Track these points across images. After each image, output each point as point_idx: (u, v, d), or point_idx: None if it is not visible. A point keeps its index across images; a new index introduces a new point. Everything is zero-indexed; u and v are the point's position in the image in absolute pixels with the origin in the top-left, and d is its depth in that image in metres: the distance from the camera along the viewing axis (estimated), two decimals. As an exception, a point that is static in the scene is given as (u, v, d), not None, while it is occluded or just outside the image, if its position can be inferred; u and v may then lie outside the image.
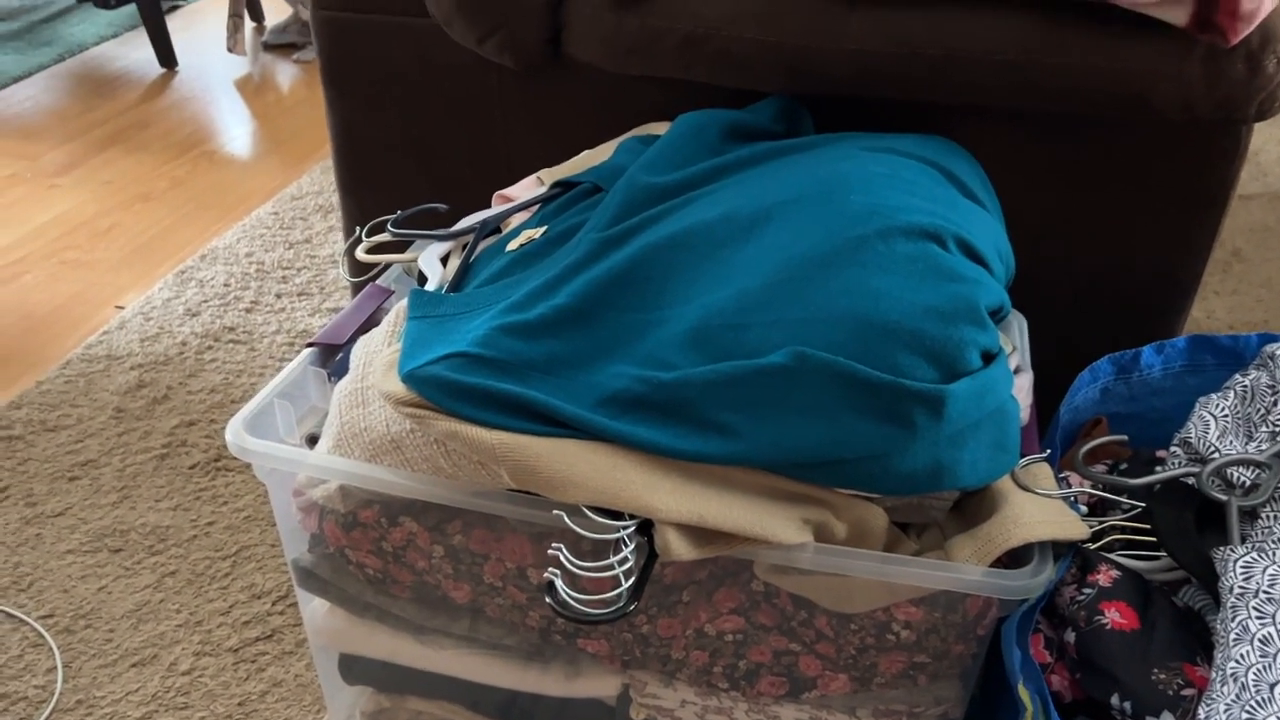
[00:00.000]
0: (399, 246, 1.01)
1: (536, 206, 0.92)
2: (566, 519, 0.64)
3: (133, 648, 1.06)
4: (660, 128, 0.98)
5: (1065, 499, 0.73)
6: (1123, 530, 0.77)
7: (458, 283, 0.84)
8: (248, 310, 1.60)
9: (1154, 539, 0.76)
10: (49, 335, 1.56)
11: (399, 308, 0.81)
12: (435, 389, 0.66)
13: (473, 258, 0.87)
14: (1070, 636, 0.68)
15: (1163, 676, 0.64)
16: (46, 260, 1.75)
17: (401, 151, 1.15)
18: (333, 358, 0.89)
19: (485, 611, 0.79)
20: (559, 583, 0.63)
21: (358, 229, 0.92)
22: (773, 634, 0.75)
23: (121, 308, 1.62)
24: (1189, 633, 0.67)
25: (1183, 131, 0.92)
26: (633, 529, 0.64)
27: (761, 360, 0.65)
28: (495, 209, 0.94)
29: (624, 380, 0.67)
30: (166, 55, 2.55)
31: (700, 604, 0.75)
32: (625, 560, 0.63)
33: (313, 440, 0.86)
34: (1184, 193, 0.94)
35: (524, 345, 0.69)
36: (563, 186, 0.92)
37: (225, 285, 1.66)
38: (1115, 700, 0.64)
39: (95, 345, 1.52)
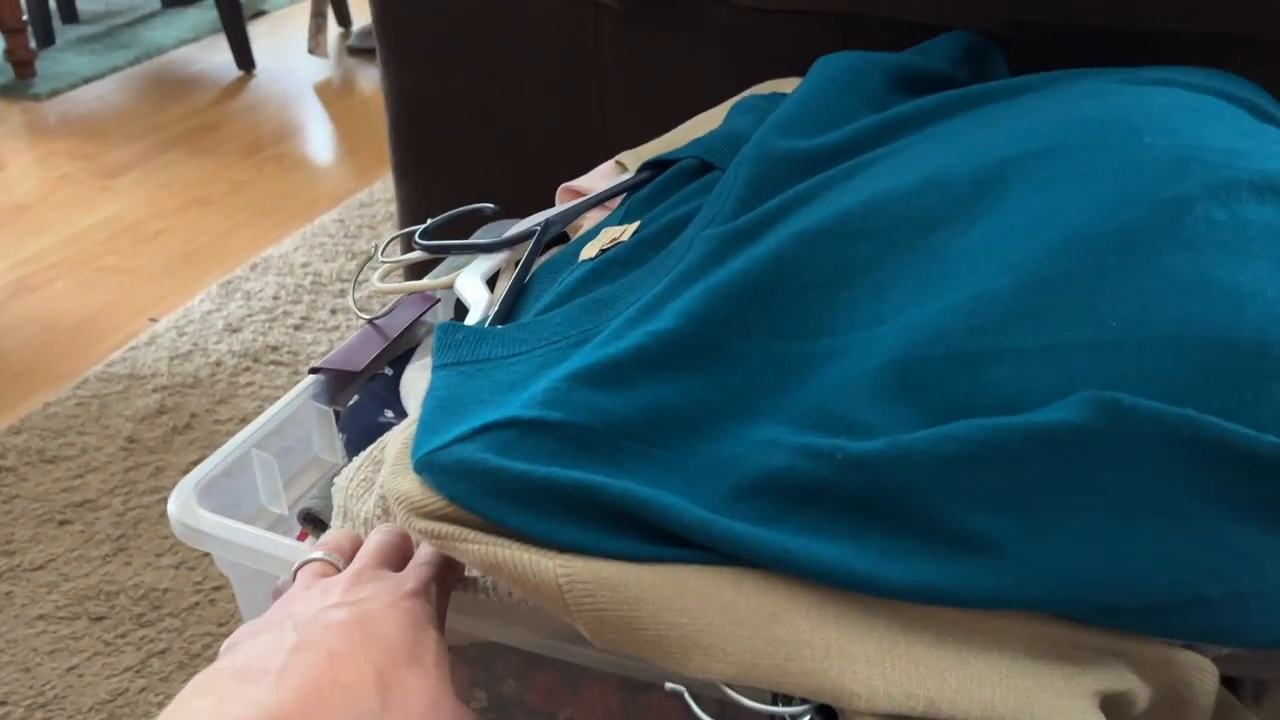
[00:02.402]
0: (438, 265, 0.74)
1: (619, 198, 0.66)
2: (688, 698, 0.36)
3: (96, 755, 0.81)
4: (791, 84, 0.71)
5: None
6: None
7: (509, 310, 0.57)
8: (296, 327, 1.37)
9: None
10: (71, 349, 1.35)
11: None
12: (468, 483, 0.39)
13: (530, 274, 0.60)
14: None
15: None
16: (82, 266, 1.55)
17: (470, 127, 0.90)
18: (344, 391, 0.63)
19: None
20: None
21: (375, 245, 0.67)
22: None
23: (155, 320, 1.40)
24: None
25: None
26: None
27: (1038, 417, 0.37)
28: (560, 207, 0.68)
29: (782, 453, 0.40)
30: (244, 57, 2.38)
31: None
32: (794, 773, 0.35)
33: (309, 519, 0.60)
34: None
35: (611, 398, 0.42)
36: (655, 168, 0.65)
37: (274, 298, 1.44)
38: None
39: (118, 362, 1.30)
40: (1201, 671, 0.42)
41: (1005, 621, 0.37)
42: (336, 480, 0.49)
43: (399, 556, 0.45)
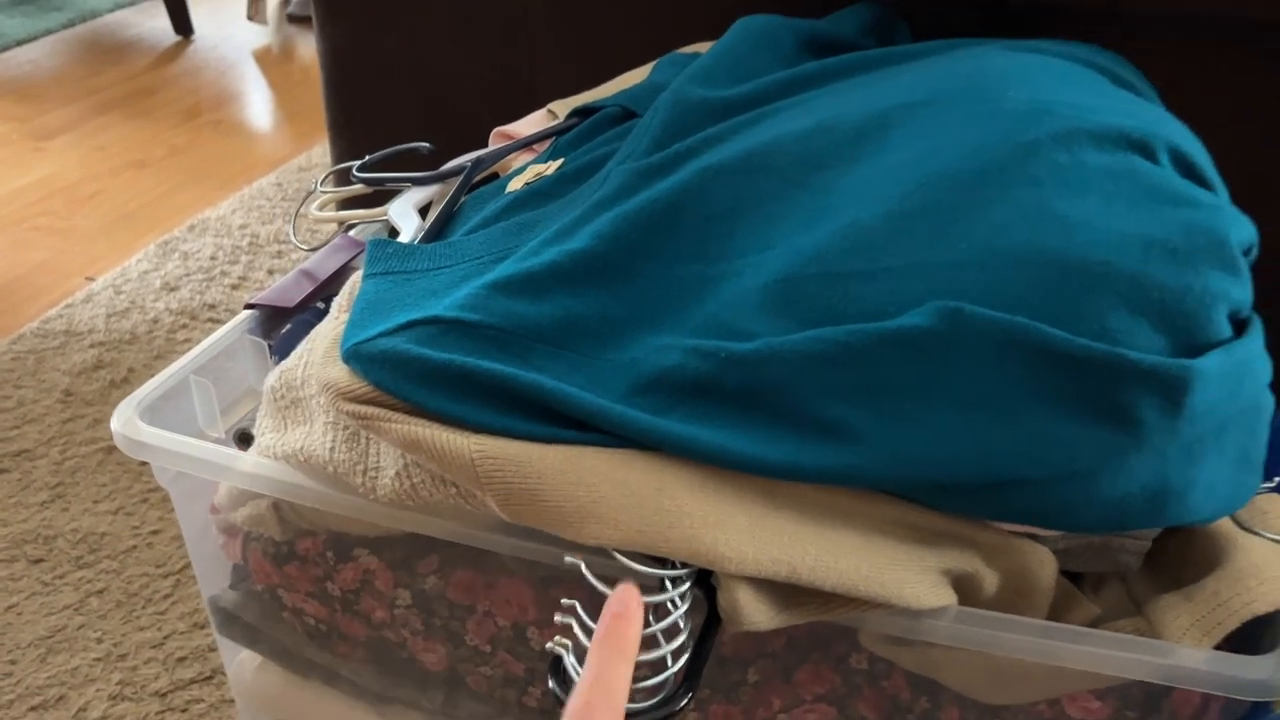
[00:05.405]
0: (375, 203, 0.78)
1: (547, 142, 0.70)
2: (584, 569, 0.41)
3: (36, 685, 0.84)
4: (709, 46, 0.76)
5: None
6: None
7: (437, 233, 0.61)
8: (234, 286, 1.39)
9: None
10: (4, 306, 1.36)
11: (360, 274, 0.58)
12: (390, 370, 0.44)
13: (459, 203, 0.64)
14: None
15: None
16: (15, 226, 1.55)
17: (403, 83, 0.93)
18: (279, 327, 0.66)
19: (467, 683, 0.57)
20: (569, 659, 0.40)
21: (315, 182, 0.70)
22: (879, 735, 0.52)
23: (91, 279, 1.41)
24: None
25: None
26: (686, 586, 0.41)
27: (892, 323, 0.42)
28: (492, 147, 0.72)
29: (674, 354, 0.45)
30: (182, 22, 2.37)
31: (773, 686, 0.52)
32: (674, 631, 0.40)
33: (243, 439, 0.63)
34: None
35: (526, 306, 0.47)
36: (582, 115, 0.70)
37: (212, 259, 1.45)
38: None
39: (54, 319, 1.31)
40: (1040, 559, 0.47)
41: (863, 505, 0.43)
42: (268, 378, 0.53)
43: None
